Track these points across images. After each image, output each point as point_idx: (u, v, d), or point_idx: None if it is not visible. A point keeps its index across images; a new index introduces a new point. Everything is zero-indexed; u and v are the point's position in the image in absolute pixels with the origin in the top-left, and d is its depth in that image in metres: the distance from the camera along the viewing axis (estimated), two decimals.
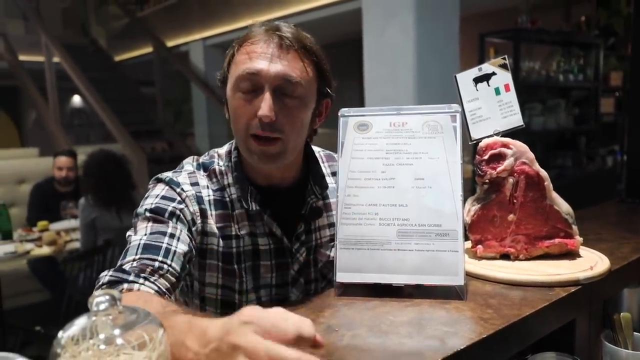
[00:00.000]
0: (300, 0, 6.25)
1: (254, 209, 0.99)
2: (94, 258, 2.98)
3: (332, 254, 1.06)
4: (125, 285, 0.79)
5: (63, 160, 3.89)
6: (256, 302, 1.00)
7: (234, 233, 1.00)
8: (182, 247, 0.89)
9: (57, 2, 10.49)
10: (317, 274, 1.06)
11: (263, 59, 0.92)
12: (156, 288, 0.81)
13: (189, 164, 1.05)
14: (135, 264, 0.84)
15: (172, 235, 0.90)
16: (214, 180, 1.02)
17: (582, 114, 5.27)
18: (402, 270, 0.85)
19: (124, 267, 0.84)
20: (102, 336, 0.49)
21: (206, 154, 1.09)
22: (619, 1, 5.80)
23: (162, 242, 0.88)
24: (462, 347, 0.67)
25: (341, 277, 0.87)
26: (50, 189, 3.94)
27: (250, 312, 0.55)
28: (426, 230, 0.85)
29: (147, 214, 0.93)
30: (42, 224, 3.63)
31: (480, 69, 1.02)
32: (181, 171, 1.02)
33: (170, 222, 0.92)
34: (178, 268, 0.87)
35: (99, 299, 0.49)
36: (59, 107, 7.69)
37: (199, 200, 0.98)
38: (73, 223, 3.67)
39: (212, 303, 1.01)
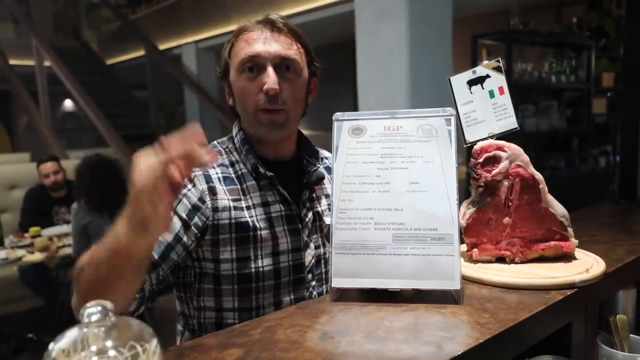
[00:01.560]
0: (293, 2, 6.26)
1: (268, 174, 1.06)
2: None
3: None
4: None
5: (48, 166, 3.87)
6: (274, 269, 1.05)
7: (245, 205, 1.05)
8: (169, 238, 0.96)
9: (48, 5, 10.44)
10: (324, 239, 1.14)
11: (261, 42, 1.04)
12: None
13: None
14: None
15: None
16: (220, 158, 1.09)
17: (575, 115, 5.30)
18: (398, 275, 0.84)
19: None
20: (93, 348, 0.47)
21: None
22: (610, 3, 5.85)
23: None
24: (459, 353, 0.66)
25: (337, 282, 0.86)
26: (44, 195, 3.92)
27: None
28: (422, 235, 0.84)
29: None
30: (34, 229, 3.60)
31: (474, 72, 1.02)
32: None
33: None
34: (156, 256, 0.94)
35: (91, 309, 0.48)
36: (50, 112, 7.65)
37: (207, 179, 1.04)
38: (66, 229, 3.64)
39: (229, 280, 1.03)
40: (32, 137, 7.73)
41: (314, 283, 1.10)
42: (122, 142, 6.28)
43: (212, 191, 1.03)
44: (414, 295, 0.85)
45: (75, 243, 3.11)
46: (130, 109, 8.29)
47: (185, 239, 0.98)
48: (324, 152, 1.26)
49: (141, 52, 8.46)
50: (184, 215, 0.99)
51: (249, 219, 1.04)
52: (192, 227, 0.99)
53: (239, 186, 1.07)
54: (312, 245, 1.11)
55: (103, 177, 3.11)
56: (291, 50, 1.06)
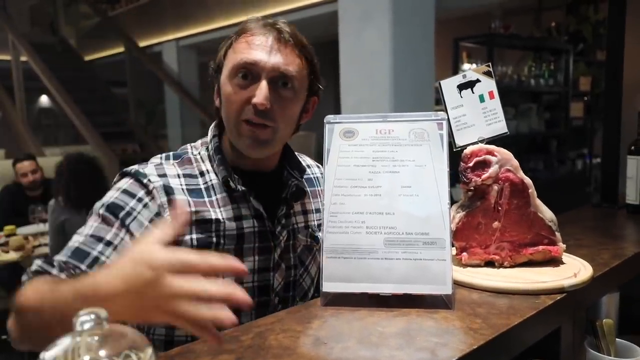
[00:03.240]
0: (275, 2, 6.23)
1: (240, 189, 0.99)
2: None
3: (308, 240, 1.10)
4: (48, 277, 0.83)
5: (25, 165, 3.78)
6: None
7: (214, 217, 0.97)
8: (115, 257, 0.89)
9: None
10: (296, 260, 1.07)
11: (262, 50, 0.95)
12: None
13: (156, 157, 1.04)
14: (62, 264, 0.87)
15: (108, 243, 0.90)
16: (187, 167, 1.01)
17: (553, 118, 5.39)
18: (389, 280, 0.84)
19: (53, 261, 0.87)
20: (86, 357, 0.46)
21: (179, 149, 1.09)
22: (588, 9, 5.96)
23: (94, 249, 0.89)
24: (453, 359, 0.66)
25: (328, 286, 0.85)
26: (19, 193, 3.84)
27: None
28: (413, 239, 0.84)
29: (101, 211, 0.93)
30: (8, 228, 3.52)
31: (464, 76, 1.02)
32: (147, 164, 1.01)
33: (116, 224, 0.92)
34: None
35: (84, 318, 0.46)
36: (26, 108, 7.49)
37: (168, 190, 0.96)
38: (42, 227, 3.57)
39: None
40: (7, 133, 7.55)
41: (279, 307, 1.03)
42: (101, 140, 6.18)
43: (172, 204, 0.94)
44: (406, 300, 0.85)
45: (52, 241, 3.04)
46: (109, 106, 8.16)
47: None
48: (307, 160, 1.20)
49: (120, 49, 8.34)
50: (136, 235, 0.91)
51: (213, 234, 0.96)
52: None
53: (206, 199, 0.98)
54: (283, 266, 1.04)
55: (82, 174, 3.06)
56: (293, 65, 0.96)
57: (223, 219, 0.98)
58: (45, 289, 0.74)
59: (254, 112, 0.94)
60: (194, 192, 0.98)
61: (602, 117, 1.72)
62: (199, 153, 1.04)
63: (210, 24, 7.39)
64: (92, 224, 0.92)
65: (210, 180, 1.00)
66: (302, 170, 1.11)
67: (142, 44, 8.56)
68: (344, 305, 0.85)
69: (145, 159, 1.04)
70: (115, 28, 8.51)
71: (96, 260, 0.88)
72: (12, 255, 3.25)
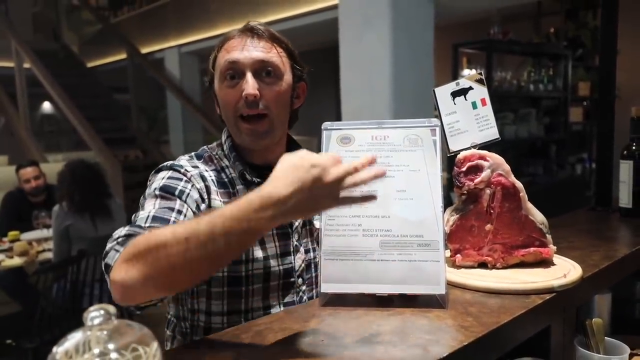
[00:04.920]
0: (277, 8, 6.29)
1: (256, 181, 1.07)
2: (68, 269, 2.92)
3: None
4: (142, 233, 0.83)
5: (28, 171, 3.82)
6: (263, 272, 1.05)
7: None
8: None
9: (28, 6, 10.29)
10: (314, 243, 1.14)
11: (240, 49, 1.05)
12: None
13: (180, 157, 1.12)
14: (145, 229, 0.88)
15: (179, 212, 0.95)
16: (210, 164, 1.10)
17: (552, 123, 5.42)
18: (385, 280, 0.87)
19: (137, 226, 0.89)
20: (96, 350, 0.49)
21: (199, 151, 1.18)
22: (586, 14, 6.00)
23: (170, 217, 0.93)
24: (444, 355, 0.69)
25: (326, 287, 0.88)
26: (23, 199, 3.87)
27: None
28: (408, 241, 0.87)
29: (156, 192, 0.98)
30: (12, 234, 3.55)
31: (457, 84, 1.05)
32: (178, 160, 1.10)
33: (178, 199, 0.98)
34: None
35: (94, 313, 0.50)
36: (29, 114, 7.54)
37: (203, 178, 1.05)
38: (45, 233, 3.60)
39: (219, 282, 1.04)
40: (10, 139, 7.60)
41: (304, 287, 1.11)
42: (103, 146, 6.22)
43: (208, 190, 1.05)
44: (401, 300, 0.88)
45: (56, 246, 3.08)
46: (111, 112, 8.22)
47: None
48: None
49: (123, 55, 8.39)
50: (193, 208, 0.99)
51: None
52: None
53: (230, 189, 1.08)
54: (302, 249, 1.11)
55: (84, 180, 3.10)
56: (270, 53, 1.06)
57: None
58: (185, 226, 0.76)
59: (247, 105, 1.03)
60: (220, 182, 1.08)
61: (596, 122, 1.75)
62: (217, 153, 1.13)
63: (212, 30, 7.44)
64: (153, 202, 0.97)
65: (230, 174, 1.10)
66: None
67: (145, 50, 8.62)
68: (342, 305, 0.88)
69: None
70: (118, 34, 8.58)
71: (175, 223, 0.92)
72: (17, 261, 3.28)
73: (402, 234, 0.88)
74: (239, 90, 1.04)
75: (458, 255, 1.02)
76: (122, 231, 0.88)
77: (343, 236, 0.89)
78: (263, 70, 1.05)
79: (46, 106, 10.47)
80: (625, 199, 1.51)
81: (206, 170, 1.08)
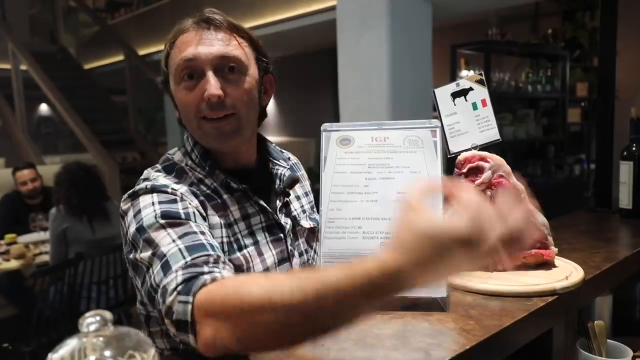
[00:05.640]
0: (275, 10, 6.28)
1: (241, 187, 0.98)
2: (65, 272, 2.91)
3: (310, 223, 1.12)
4: (207, 277, 0.71)
5: (25, 173, 3.81)
6: None
7: (232, 219, 0.97)
8: (215, 242, 0.84)
9: (25, 8, 10.27)
10: (305, 245, 1.10)
11: (196, 44, 0.93)
12: (232, 274, 0.77)
13: (150, 173, 0.97)
14: (192, 262, 0.75)
15: (202, 233, 0.83)
16: (186, 177, 0.97)
17: (551, 123, 5.43)
18: None
19: (188, 264, 0.75)
20: (92, 358, 0.48)
21: (158, 163, 1.03)
22: (584, 15, 6.01)
23: (201, 240, 0.80)
24: (446, 359, 0.68)
25: None
26: (19, 201, 3.85)
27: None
28: None
29: (159, 221, 0.83)
30: (9, 236, 3.53)
31: (457, 84, 1.04)
32: (152, 178, 0.95)
33: (190, 222, 0.84)
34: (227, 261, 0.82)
35: (90, 319, 0.48)
36: (26, 116, 7.52)
37: (195, 194, 0.93)
38: (42, 236, 3.58)
39: None
40: (6, 141, 7.58)
41: None
42: (101, 148, 6.21)
43: (204, 206, 0.94)
44: (405, 303, 0.87)
45: (53, 249, 3.06)
46: (108, 114, 8.20)
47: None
48: (284, 152, 1.19)
49: (120, 57, 8.38)
50: (203, 228, 0.86)
51: (239, 237, 0.97)
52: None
53: (217, 200, 0.97)
54: (296, 253, 1.07)
55: (81, 181, 3.09)
56: (232, 47, 0.94)
57: (235, 219, 0.98)
58: (288, 281, 0.64)
59: (210, 108, 0.92)
60: (207, 196, 0.96)
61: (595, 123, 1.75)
62: (187, 164, 1.00)
63: None
64: (166, 234, 0.81)
65: (212, 184, 0.98)
66: (285, 158, 1.12)
67: (142, 52, 8.60)
68: None
69: (145, 167, 1.04)
70: (115, 36, 8.57)
71: (212, 246, 0.81)
72: (13, 264, 3.27)
73: None
74: (199, 92, 0.92)
75: None
76: (172, 279, 0.73)
77: (343, 239, 0.88)
78: (225, 66, 0.93)
79: (43, 108, 10.45)
80: (625, 200, 1.50)
81: (190, 186, 0.95)
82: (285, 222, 1.05)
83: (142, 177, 0.97)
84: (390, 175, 0.90)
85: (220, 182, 0.98)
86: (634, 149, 1.50)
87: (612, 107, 1.67)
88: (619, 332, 1.21)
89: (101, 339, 0.49)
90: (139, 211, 0.86)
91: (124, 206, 0.91)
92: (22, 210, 3.79)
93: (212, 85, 0.91)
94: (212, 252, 0.78)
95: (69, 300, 2.92)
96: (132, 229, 0.85)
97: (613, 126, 1.68)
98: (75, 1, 9.34)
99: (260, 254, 0.99)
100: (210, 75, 0.92)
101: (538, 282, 0.91)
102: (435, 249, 0.60)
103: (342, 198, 0.90)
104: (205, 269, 0.74)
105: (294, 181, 1.07)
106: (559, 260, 1.03)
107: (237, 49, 0.95)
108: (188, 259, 0.76)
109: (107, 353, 0.48)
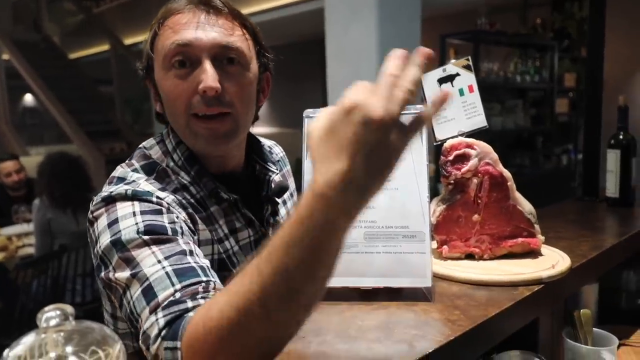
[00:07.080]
0: None
1: (232, 198, 0.88)
2: (49, 264, 2.86)
3: None
4: (191, 314, 0.63)
5: (8, 165, 3.75)
6: None
7: (222, 234, 0.88)
8: (206, 261, 0.74)
9: None
10: None
11: (193, 27, 0.81)
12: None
13: (127, 172, 0.85)
14: (180, 293, 0.66)
15: (191, 253, 0.73)
16: (168, 181, 0.85)
17: (539, 114, 5.44)
18: (370, 273, 0.83)
19: (171, 300, 0.65)
20: (52, 354, 0.45)
21: (131, 157, 0.91)
22: (572, 5, 6.01)
23: (190, 262, 0.70)
24: (430, 350, 0.66)
25: None
26: (2, 193, 3.79)
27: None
28: (393, 232, 0.84)
29: (145, 237, 0.72)
30: None
31: (444, 70, 1.02)
32: (132, 181, 0.83)
33: (178, 238, 0.74)
34: (220, 283, 0.71)
35: (50, 314, 0.46)
36: (9, 107, 7.41)
37: (182, 206, 0.83)
38: (26, 228, 3.53)
39: None
40: None
41: None
42: (87, 139, 6.13)
43: (193, 220, 0.83)
44: (386, 293, 0.85)
45: (38, 242, 3.01)
46: (94, 104, 8.09)
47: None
48: (265, 142, 1.08)
49: (106, 47, 8.27)
50: (192, 246, 0.76)
51: (230, 254, 0.89)
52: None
53: (204, 213, 0.87)
54: None
55: (64, 172, 3.03)
56: (234, 36, 0.83)
57: (225, 234, 0.89)
58: (243, 283, 0.54)
59: (205, 102, 0.81)
60: (194, 207, 0.85)
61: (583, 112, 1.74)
62: (167, 165, 0.88)
63: None
64: (150, 253, 0.71)
65: (198, 192, 0.87)
66: (273, 161, 1.03)
67: (128, 41, 8.49)
68: (325, 300, 0.84)
69: None
70: (101, 25, 8.44)
71: (203, 268, 0.71)
72: None
73: (387, 225, 0.84)
74: (192, 82, 0.81)
75: (445, 246, 0.99)
76: (158, 321, 0.63)
77: None
78: (224, 57, 0.82)
79: (28, 99, 10.30)
80: (612, 188, 1.49)
81: (174, 193, 0.84)
82: (273, 233, 1.00)
83: (115, 174, 0.86)
84: None
85: (210, 191, 0.88)
86: (621, 137, 1.49)
87: (600, 96, 1.66)
88: (604, 321, 1.21)
89: (62, 334, 0.46)
90: (116, 220, 0.75)
91: (95, 211, 0.79)
92: (5, 202, 3.73)
93: (210, 76, 0.80)
94: (203, 278, 0.69)
95: (53, 292, 2.88)
96: (105, 240, 0.74)
97: (601, 115, 1.67)
98: None
99: (245, 257, 0.92)
100: (208, 64, 0.81)
101: (524, 271, 0.89)
102: (334, 134, 0.51)
103: None
104: (190, 304, 0.64)
105: (282, 189, 0.99)
106: (545, 249, 1.02)
107: (240, 39, 0.84)
108: (178, 286, 0.67)
109: (69, 349, 0.45)
